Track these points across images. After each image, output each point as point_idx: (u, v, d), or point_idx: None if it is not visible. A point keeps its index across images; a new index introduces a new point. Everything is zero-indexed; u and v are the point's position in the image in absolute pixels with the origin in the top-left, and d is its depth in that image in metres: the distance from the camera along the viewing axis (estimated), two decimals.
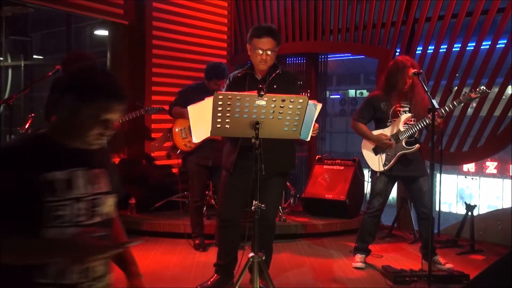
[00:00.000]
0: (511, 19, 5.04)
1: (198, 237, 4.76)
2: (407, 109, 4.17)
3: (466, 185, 19.99)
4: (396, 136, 4.15)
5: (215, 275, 3.70)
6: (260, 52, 3.38)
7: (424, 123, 4.05)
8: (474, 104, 5.37)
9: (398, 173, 4.22)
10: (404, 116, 4.15)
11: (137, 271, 1.97)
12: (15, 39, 9.94)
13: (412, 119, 4.15)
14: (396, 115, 4.18)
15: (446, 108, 3.99)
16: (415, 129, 4.10)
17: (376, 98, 4.26)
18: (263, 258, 2.87)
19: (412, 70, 4.02)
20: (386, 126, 4.22)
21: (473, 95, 3.97)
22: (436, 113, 3.62)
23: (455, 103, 4.03)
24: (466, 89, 5.25)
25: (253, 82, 3.47)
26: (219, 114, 2.79)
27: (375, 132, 4.26)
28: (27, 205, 1.55)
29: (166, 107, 5.40)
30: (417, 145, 4.15)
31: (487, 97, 4.82)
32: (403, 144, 4.14)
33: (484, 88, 4.04)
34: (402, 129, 4.14)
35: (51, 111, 4.68)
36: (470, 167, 18.98)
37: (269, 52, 3.39)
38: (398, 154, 4.15)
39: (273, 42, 3.41)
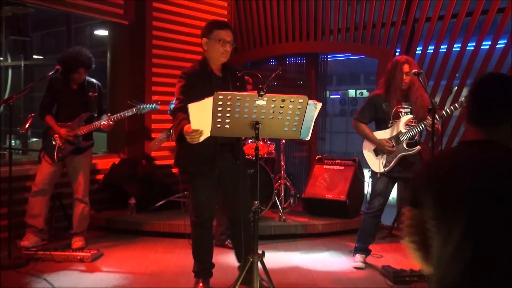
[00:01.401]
0: (511, 19, 5.05)
1: None
2: (408, 110, 4.17)
3: None
4: (396, 138, 4.15)
5: (202, 282, 3.61)
6: (223, 43, 3.38)
7: (422, 126, 4.05)
8: None
9: (399, 174, 4.21)
10: (405, 118, 4.14)
11: None
12: (15, 39, 9.94)
13: (413, 120, 4.15)
14: (398, 116, 4.17)
15: (448, 110, 3.99)
16: (416, 130, 4.10)
17: (377, 98, 4.24)
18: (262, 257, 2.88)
19: (408, 67, 4.04)
20: (388, 127, 4.21)
21: None
22: (436, 112, 3.62)
23: (457, 105, 4.02)
24: (466, 89, 5.27)
25: (215, 81, 3.46)
26: (219, 114, 2.79)
27: (377, 134, 4.24)
28: None
29: (164, 107, 5.39)
30: (418, 147, 4.15)
31: None
32: (404, 146, 4.14)
33: None
34: (403, 130, 4.13)
35: (47, 110, 4.69)
36: None
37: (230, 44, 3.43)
38: (399, 156, 4.15)
39: (232, 35, 3.45)
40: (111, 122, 4.61)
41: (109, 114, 4.65)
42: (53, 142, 4.60)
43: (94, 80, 4.83)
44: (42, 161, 4.63)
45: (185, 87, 3.39)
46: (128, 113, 4.71)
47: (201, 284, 3.59)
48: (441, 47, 5.56)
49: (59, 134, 4.56)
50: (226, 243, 4.75)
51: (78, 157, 4.68)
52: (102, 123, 4.59)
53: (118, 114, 4.64)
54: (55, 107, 4.71)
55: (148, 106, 4.83)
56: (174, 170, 6.50)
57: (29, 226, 4.61)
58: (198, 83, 3.39)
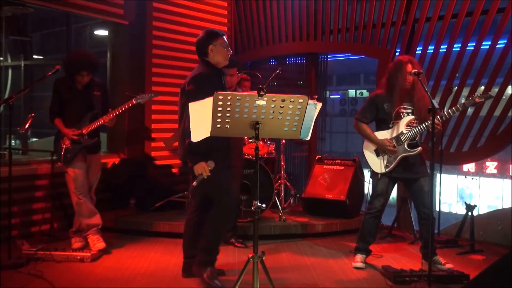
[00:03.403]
0: (511, 19, 5.05)
1: None
2: (410, 110, 4.16)
3: (466, 185, 20.01)
4: (397, 138, 4.14)
5: (212, 269, 3.72)
6: (227, 48, 3.74)
7: (423, 127, 4.04)
8: None
9: (399, 175, 4.21)
10: (407, 118, 4.14)
11: None
12: (15, 39, 9.94)
13: (414, 121, 4.14)
14: (399, 117, 4.17)
15: (450, 111, 3.98)
16: (415, 130, 4.09)
17: (379, 98, 4.23)
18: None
19: (411, 67, 4.03)
20: (389, 128, 4.21)
21: (477, 99, 3.96)
22: (436, 113, 3.61)
23: (459, 107, 4.01)
24: (466, 89, 5.27)
25: (221, 81, 3.79)
26: (219, 114, 2.79)
27: (378, 134, 4.24)
28: None
29: (168, 107, 5.38)
30: (420, 148, 4.14)
31: None
32: (405, 146, 4.14)
33: (489, 93, 4.03)
34: (404, 131, 4.12)
35: (55, 113, 4.69)
36: (470, 167, 19.00)
37: None
38: (400, 157, 4.14)
39: None
40: (111, 116, 4.59)
41: (110, 109, 4.65)
42: (62, 144, 4.62)
43: (98, 79, 4.84)
44: (68, 170, 4.60)
45: (202, 93, 3.26)
46: (128, 105, 4.68)
47: (209, 273, 3.68)
48: (441, 47, 5.56)
49: (66, 135, 4.59)
50: (232, 240, 4.77)
51: (95, 156, 4.76)
52: (104, 119, 4.59)
53: (120, 108, 4.63)
54: (62, 108, 4.71)
55: (147, 95, 4.78)
56: (174, 170, 6.51)
57: (91, 227, 4.64)
58: (214, 84, 3.53)
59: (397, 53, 5.82)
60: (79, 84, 4.64)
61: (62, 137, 4.64)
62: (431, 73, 5.61)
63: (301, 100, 2.78)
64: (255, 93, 2.73)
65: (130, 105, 4.65)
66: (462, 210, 5.27)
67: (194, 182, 3.35)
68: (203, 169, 3.45)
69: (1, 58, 9.51)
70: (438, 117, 3.84)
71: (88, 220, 4.62)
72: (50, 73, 4.49)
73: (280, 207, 5.48)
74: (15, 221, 4.80)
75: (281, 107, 2.79)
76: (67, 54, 4.66)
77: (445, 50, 5.50)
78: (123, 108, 4.62)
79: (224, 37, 3.78)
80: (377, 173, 4.23)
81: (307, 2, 6.58)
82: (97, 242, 4.58)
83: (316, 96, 5.35)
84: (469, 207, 5.00)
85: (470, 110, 5.01)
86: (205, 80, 3.59)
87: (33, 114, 4.65)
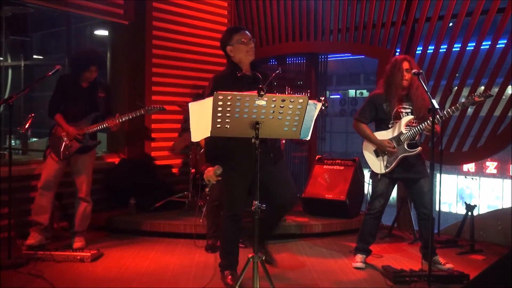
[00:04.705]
0: (511, 19, 5.05)
1: (212, 238, 4.71)
2: (409, 110, 4.16)
3: (466, 185, 20.01)
4: (397, 138, 4.14)
5: (231, 273, 3.70)
6: (246, 43, 3.56)
7: (421, 128, 4.03)
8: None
9: (399, 175, 4.20)
10: (406, 118, 4.13)
11: None
12: (15, 39, 9.93)
13: (414, 121, 4.14)
14: (398, 117, 4.16)
15: (449, 111, 3.98)
16: (415, 130, 4.08)
17: (378, 98, 4.23)
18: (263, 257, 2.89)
19: (408, 64, 4.04)
20: (388, 128, 4.20)
21: (477, 98, 3.95)
22: (436, 113, 3.61)
23: (458, 106, 4.01)
24: (466, 89, 5.27)
25: (247, 81, 3.58)
26: (219, 114, 2.79)
27: (377, 134, 4.23)
28: None
29: (166, 99, 5.37)
30: (419, 148, 4.14)
31: None
32: (405, 146, 4.13)
33: (489, 92, 4.03)
34: (404, 131, 4.12)
35: (56, 109, 4.69)
36: (470, 167, 19.00)
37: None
38: (400, 157, 4.14)
39: (249, 33, 3.68)
40: (117, 121, 4.60)
41: (118, 113, 4.66)
42: (60, 140, 4.60)
43: (104, 81, 4.85)
44: (48, 158, 4.63)
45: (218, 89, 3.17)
46: (137, 113, 4.71)
47: (230, 276, 3.66)
48: (441, 47, 5.56)
49: (67, 132, 4.57)
50: None
51: (83, 156, 4.70)
52: (109, 122, 4.60)
53: (127, 115, 4.64)
54: (64, 105, 4.70)
55: (156, 107, 4.84)
56: (174, 170, 6.51)
57: (34, 224, 4.61)
58: (228, 85, 3.36)
59: (397, 53, 5.83)
60: (85, 82, 4.65)
61: (61, 132, 4.61)
62: (431, 73, 5.62)
63: (301, 100, 2.77)
64: (255, 93, 2.73)
65: (138, 114, 4.69)
66: (462, 210, 5.27)
67: (206, 189, 3.32)
68: (209, 176, 3.38)
69: (1, 58, 9.51)
70: (438, 117, 3.84)
71: (34, 216, 4.61)
72: (50, 73, 4.49)
73: None
74: (15, 221, 4.79)
75: (281, 107, 2.79)
76: (73, 53, 4.67)
77: (445, 50, 5.50)
78: (131, 116, 4.65)
79: (241, 32, 3.62)
80: (377, 174, 4.23)
81: (307, 2, 6.58)
82: (31, 238, 4.54)
83: (323, 98, 5.28)
84: (469, 207, 5.00)
85: (470, 110, 5.02)
86: (218, 80, 3.56)
87: (33, 114, 4.65)
